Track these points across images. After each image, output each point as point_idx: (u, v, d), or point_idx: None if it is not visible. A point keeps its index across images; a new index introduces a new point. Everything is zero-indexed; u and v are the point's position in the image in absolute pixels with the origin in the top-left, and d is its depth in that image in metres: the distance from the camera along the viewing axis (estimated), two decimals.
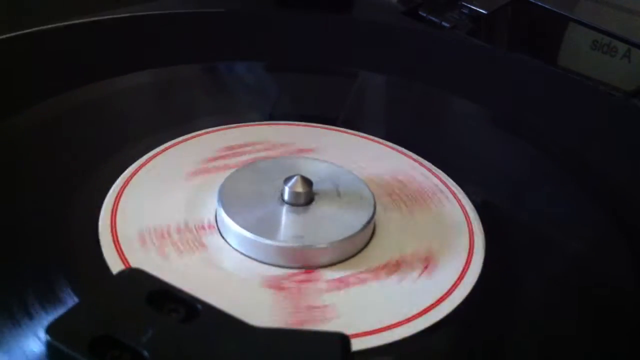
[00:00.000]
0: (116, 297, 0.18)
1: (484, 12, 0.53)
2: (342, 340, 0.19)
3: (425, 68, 0.45)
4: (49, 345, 0.16)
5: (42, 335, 0.22)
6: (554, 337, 0.26)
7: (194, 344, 0.17)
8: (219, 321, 0.18)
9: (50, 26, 0.43)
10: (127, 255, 0.27)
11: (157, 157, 0.34)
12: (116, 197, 0.31)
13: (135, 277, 0.18)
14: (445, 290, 0.28)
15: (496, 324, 0.27)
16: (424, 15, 0.52)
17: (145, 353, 0.17)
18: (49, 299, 0.24)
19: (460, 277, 0.28)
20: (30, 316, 0.23)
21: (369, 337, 0.25)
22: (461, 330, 0.26)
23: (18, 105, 0.36)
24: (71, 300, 0.24)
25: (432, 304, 0.27)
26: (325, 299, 0.27)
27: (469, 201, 0.33)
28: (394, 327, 0.25)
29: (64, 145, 0.35)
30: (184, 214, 0.30)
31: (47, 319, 0.23)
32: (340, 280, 0.28)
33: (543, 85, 0.45)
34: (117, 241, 0.28)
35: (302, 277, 0.28)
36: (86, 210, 0.30)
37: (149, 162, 0.34)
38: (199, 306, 0.18)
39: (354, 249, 0.29)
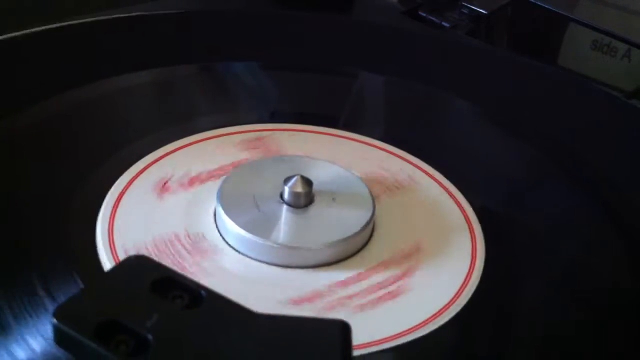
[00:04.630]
0: (122, 283, 0.18)
1: (484, 12, 0.53)
2: (343, 327, 0.19)
3: (424, 68, 0.45)
4: (56, 328, 0.17)
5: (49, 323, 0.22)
6: (559, 337, 0.27)
7: (198, 329, 0.18)
8: (222, 307, 0.18)
9: (50, 26, 0.43)
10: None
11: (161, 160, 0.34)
12: (120, 191, 0.31)
13: (140, 263, 0.19)
14: (451, 294, 0.28)
15: (501, 325, 0.27)
16: (424, 15, 0.52)
17: (150, 337, 0.17)
18: (54, 287, 0.25)
19: (466, 280, 0.29)
20: (36, 304, 0.24)
21: (370, 347, 0.25)
22: (467, 332, 0.27)
23: (18, 105, 0.36)
24: (76, 288, 0.24)
25: (441, 309, 0.27)
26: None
27: (468, 203, 0.33)
28: (393, 338, 0.26)
29: (64, 144, 0.35)
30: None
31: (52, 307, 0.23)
32: (340, 281, 0.28)
33: (543, 85, 0.45)
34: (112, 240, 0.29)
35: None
36: (89, 203, 0.30)
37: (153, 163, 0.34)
38: (203, 292, 0.18)
39: (353, 249, 0.29)
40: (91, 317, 0.17)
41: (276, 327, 0.19)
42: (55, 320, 0.17)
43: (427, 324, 0.26)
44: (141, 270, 0.19)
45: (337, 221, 0.29)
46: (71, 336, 0.17)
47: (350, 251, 0.29)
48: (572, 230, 0.33)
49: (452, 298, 0.27)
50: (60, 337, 0.17)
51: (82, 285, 0.25)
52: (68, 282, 0.25)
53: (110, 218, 0.29)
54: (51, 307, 0.24)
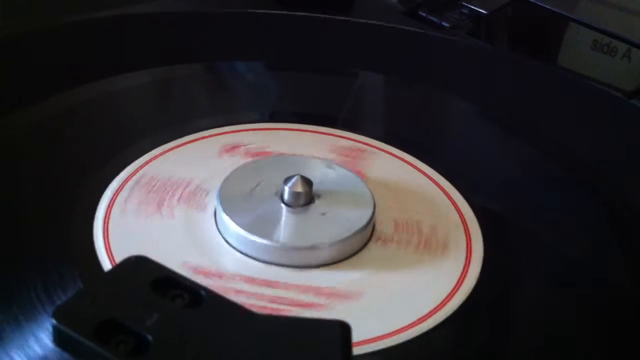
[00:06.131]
0: (122, 283, 0.18)
1: (484, 12, 0.53)
2: (342, 327, 0.19)
3: (424, 68, 0.45)
4: (55, 329, 0.17)
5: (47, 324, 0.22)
6: (554, 337, 0.27)
7: (197, 329, 0.18)
8: (221, 307, 0.18)
9: (50, 25, 0.43)
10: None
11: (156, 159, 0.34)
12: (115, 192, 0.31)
13: (140, 264, 0.19)
14: (445, 294, 0.28)
15: (496, 326, 0.27)
16: (424, 15, 0.52)
17: (149, 337, 0.17)
18: (54, 287, 0.25)
19: (461, 279, 0.28)
20: (35, 304, 0.24)
21: (367, 345, 0.25)
22: (461, 333, 0.27)
23: (18, 105, 0.36)
24: (76, 288, 0.24)
25: (434, 309, 0.27)
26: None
27: (465, 202, 0.33)
28: (389, 336, 0.26)
29: (64, 144, 0.35)
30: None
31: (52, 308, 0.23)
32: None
33: (543, 85, 0.45)
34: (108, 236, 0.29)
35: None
36: (87, 203, 0.30)
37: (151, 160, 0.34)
38: (203, 292, 0.18)
39: (353, 249, 0.29)
40: (91, 317, 0.17)
41: (276, 327, 0.19)
42: (54, 321, 0.17)
43: (418, 324, 0.26)
44: (141, 270, 0.19)
45: (338, 221, 0.29)
46: (71, 337, 0.17)
47: (351, 251, 0.29)
48: (571, 230, 0.33)
49: (445, 299, 0.27)
50: (59, 338, 0.17)
51: (81, 285, 0.25)
52: (68, 282, 0.25)
53: (105, 217, 0.30)
54: (50, 308, 0.24)
